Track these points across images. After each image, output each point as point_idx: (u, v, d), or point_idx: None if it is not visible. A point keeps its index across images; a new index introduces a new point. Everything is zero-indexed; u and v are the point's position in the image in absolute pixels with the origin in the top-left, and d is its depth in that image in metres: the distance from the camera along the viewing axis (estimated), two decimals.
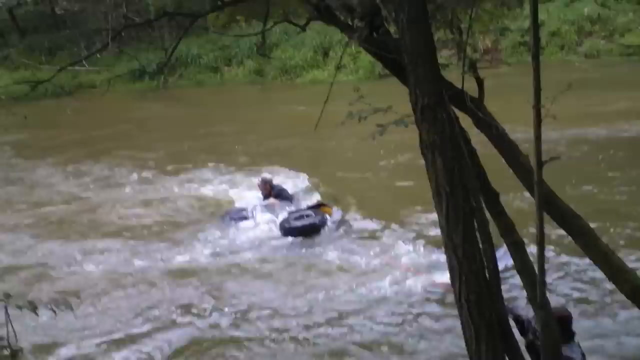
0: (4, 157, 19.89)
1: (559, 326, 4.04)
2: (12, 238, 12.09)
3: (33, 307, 3.64)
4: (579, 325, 6.71)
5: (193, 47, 30.22)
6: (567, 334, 4.61)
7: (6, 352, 3.56)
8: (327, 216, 11.13)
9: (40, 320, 6.65)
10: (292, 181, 13.54)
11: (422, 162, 4.07)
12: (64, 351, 7.92)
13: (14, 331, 3.52)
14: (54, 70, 5.67)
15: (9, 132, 20.66)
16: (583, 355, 4.74)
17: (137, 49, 30.27)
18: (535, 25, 3.30)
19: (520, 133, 6.18)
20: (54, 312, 3.75)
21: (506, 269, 6.44)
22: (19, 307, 3.58)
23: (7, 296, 3.58)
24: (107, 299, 9.22)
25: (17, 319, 3.62)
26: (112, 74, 22.27)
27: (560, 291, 8.00)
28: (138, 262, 10.45)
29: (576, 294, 7.93)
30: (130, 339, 8.06)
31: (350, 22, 4.89)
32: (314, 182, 13.45)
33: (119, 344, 8.00)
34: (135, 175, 15.91)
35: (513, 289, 7.46)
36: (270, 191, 12.13)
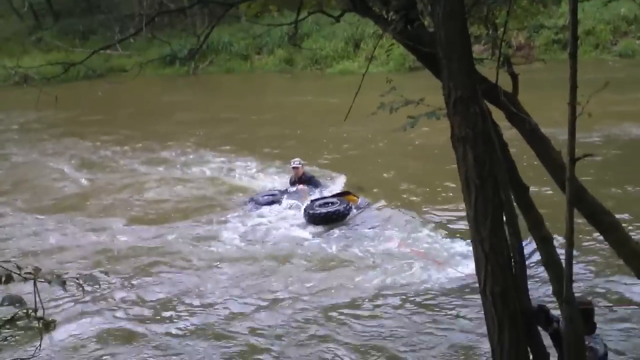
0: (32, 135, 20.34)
1: (582, 318, 4.05)
2: (33, 218, 12.42)
3: (61, 282, 3.68)
4: (604, 318, 6.72)
5: (224, 35, 30.40)
6: (590, 326, 4.63)
7: (37, 323, 3.63)
8: (352, 205, 11.19)
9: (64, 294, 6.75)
10: (320, 170, 13.65)
11: (452, 153, 4.09)
12: (91, 324, 8.11)
13: (42, 305, 3.59)
14: (86, 53, 5.73)
15: (40, 110, 21.20)
16: (605, 346, 4.77)
17: (170, 34, 30.56)
18: (574, 24, 3.30)
19: (551, 128, 6.16)
20: (82, 287, 3.81)
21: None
22: (48, 282, 3.63)
23: (37, 270, 3.64)
24: (132, 277, 9.40)
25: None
26: (143, 58, 22.52)
27: (586, 285, 7.97)
28: (160, 244, 10.62)
29: (601, 289, 7.87)
30: (153, 319, 8.21)
31: (385, 15, 4.89)
32: (342, 171, 13.52)
33: (144, 320, 8.18)
34: (157, 158, 16.27)
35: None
36: (302, 177, 12.27)
